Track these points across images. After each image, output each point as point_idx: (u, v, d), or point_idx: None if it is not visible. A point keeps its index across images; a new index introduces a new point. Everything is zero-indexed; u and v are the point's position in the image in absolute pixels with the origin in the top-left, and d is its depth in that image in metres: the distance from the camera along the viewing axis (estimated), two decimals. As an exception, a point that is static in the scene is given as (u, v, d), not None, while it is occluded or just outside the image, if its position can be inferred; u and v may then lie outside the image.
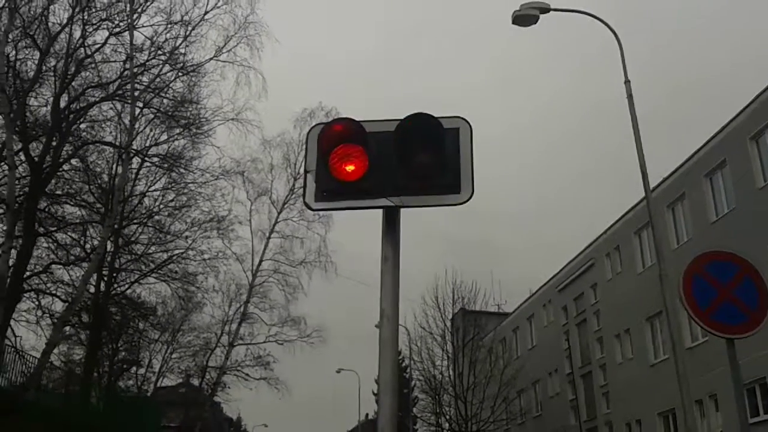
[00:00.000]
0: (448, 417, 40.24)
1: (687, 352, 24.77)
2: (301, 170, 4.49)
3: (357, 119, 4.18)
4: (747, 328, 6.57)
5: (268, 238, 31.29)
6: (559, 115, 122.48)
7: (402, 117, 4.12)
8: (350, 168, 4.08)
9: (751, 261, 6.92)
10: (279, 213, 31.37)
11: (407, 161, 4.08)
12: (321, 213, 28.64)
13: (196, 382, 37.11)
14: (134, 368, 35.16)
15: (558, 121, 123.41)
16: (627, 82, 15.86)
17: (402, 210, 4.19)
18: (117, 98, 23.41)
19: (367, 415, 66.30)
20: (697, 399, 24.43)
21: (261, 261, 31.28)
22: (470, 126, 4.27)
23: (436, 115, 4.10)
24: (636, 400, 30.98)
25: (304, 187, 4.27)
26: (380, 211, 4.20)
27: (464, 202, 4.13)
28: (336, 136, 4.11)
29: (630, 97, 15.69)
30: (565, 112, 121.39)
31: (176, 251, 28.09)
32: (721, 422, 24.83)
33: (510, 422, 42.07)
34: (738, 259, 6.88)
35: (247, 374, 32.23)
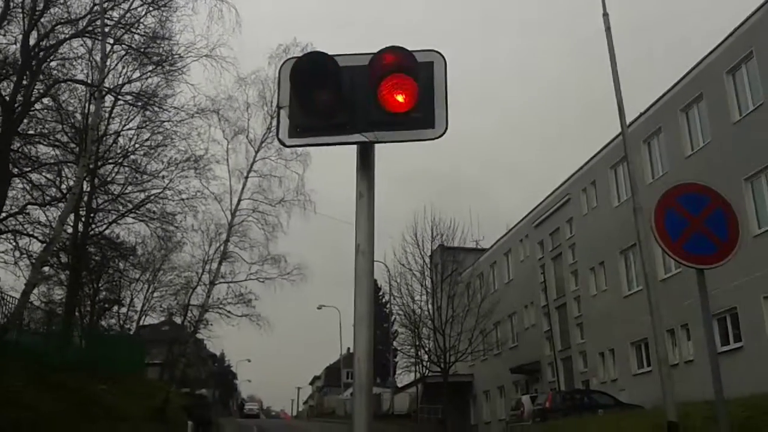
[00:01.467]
0: (427, 349, 41.17)
1: (660, 283, 25.31)
2: (278, 109, 4.38)
3: (330, 53, 4.12)
4: (717, 259, 6.67)
5: (246, 177, 31.00)
6: (540, 51, 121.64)
7: (375, 51, 4.07)
8: (323, 104, 4.03)
9: (723, 193, 7.01)
10: (256, 152, 30.98)
11: (380, 96, 4.03)
12: (299, 151, 28.44)
13: (178, 320, 37.42)
14: (116, 307, 35.40)
15: (538, 58, 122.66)
16: (605, 14, 15.67)
17: (377, 146, 4.17)
18: (87, 35, 22.85)
19: (348, 349, 67.47)
20: (669, 329, 25.09)
21: (239, 200, 31.08)
22: (444, 60, 4.21)
23: (410, 49, 4.05)
24: (609, 331, 31.75)
25: (278, 123, 4.20)
26: (355, 147, 4.16)
27: (439, 137, 4.08)
28: (309, 71, 4.04)
29: (608, 30, 15.54)
30: (545, 48, 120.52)
31: (153, 191, 27.95)
32: (692, 351, 25.56)
33: (487, 353, 43.11)
34: (709, 190, 6.93)
35: (229, 311, 32.43)
